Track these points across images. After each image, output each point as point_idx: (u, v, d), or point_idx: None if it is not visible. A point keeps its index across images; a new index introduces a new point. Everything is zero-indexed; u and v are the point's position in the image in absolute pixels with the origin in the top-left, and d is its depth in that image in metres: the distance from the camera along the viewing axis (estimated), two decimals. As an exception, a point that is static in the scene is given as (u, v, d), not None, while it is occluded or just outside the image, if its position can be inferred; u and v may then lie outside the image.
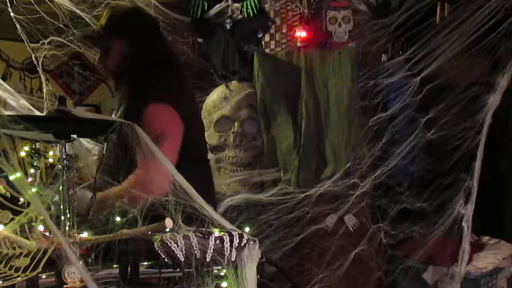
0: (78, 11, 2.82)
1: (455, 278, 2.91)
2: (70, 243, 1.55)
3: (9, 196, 1.76)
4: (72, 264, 1.48)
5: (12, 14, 2.72)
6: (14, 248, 1.52)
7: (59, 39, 2.84)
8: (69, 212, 1.63)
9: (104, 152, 2.35)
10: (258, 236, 1.72)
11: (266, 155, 3.89)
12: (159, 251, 1.57)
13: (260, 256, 1.68)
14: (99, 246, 1.62)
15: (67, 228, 1.62)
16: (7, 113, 2.04)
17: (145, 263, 1.64)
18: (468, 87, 3.08)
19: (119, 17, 2.54)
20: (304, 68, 3.77)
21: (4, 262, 1.49)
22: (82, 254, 1.60)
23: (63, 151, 1.66)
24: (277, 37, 4.03)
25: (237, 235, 1.64)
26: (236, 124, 3.88)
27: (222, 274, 1.65)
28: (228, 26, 3.98)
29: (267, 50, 4.03)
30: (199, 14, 4.01)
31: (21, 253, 1.52)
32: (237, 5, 3.98)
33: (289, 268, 3.60)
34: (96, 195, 1.97)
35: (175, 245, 1.56)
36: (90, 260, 1.61)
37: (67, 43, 2.87)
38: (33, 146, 2.17)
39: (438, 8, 3.62)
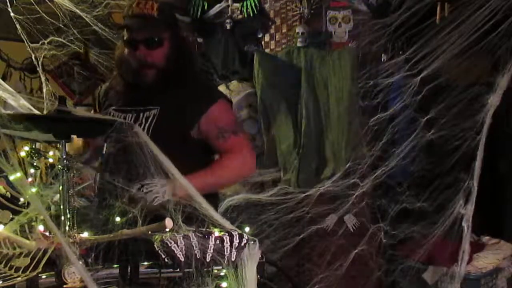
0: (78, 11, 2.81)
1: (455, 278, 2.91)
2: (70, 243, 1.55)
3: (9, 196, 1.76)
4: (72, 264, 1.48)
5: (12, 14, 2.72)
6: (14, 248, 1.51)
7: (59, 39, 2.84)
8: (69, 212, 1.63)
9: (104, 152, 2.35)
10: (258, 236, 1.72)
11: (266, 155, 3.89)
12: (159, 251, 1.57)
13: (260, 256, 1.68)
14: (99, 246, 1.62)
15: (67, 228, 1.62)
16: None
17: (145, 263, 1.65)
18: (468, 87, 3.08)
19: (170, 8, 2.39)
20: (304, 68, 3.77)
21: (4, 262, 1.49)
22: (82, 254, 1.60)
23: (63, 151, 1.67)
24: (277, 37, 4.03)
25: (237, 235, 1.64)
26: (236, 124, 3.88)
27: (222, 274, 1.65)
28: (228, 26, 3.97)
29: (267, 50, 4.03)
30: (199, 14, 4.01)
31: (21, 253, 1.52)
32: (237, 5, 3.98)
33: (289, 268, 3.60)
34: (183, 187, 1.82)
35: (175, 245, 1.56)
36: (90, 260, 1.61)
37: (67, 43, 2.87)
38: (33, 146, 2.18)
39: (438, 8, 3.63)
